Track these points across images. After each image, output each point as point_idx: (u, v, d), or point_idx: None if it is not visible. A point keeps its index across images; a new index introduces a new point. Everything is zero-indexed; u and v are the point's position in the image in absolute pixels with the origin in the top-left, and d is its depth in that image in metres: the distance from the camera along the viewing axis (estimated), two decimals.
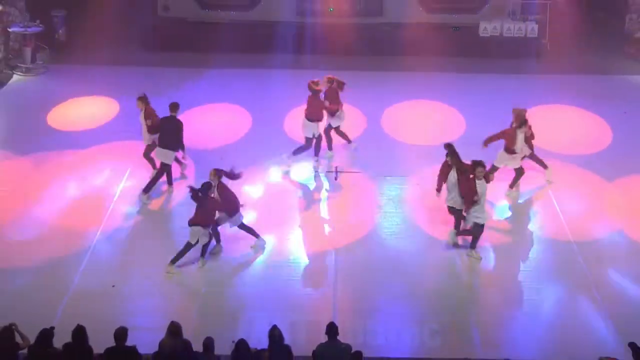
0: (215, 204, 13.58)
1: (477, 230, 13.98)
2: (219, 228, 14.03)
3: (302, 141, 16.44)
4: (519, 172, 15.51)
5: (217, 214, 13.75)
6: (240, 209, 13.83)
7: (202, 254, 13.82)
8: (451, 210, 14.17)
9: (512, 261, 14.24)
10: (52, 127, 18.29)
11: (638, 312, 12.99)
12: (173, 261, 13.65)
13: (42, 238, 14.56)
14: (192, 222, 13.49)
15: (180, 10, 22.45)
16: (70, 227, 14.83)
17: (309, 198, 15.93)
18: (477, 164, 13.75)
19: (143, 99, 15.64)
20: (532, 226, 15.14)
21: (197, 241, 13.58)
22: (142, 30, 22.36)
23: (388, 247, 14.46)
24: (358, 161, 16.89)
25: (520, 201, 15.73)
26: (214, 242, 13.99)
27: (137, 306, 13.03)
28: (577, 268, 13.97)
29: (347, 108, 17.31)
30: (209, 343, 10.95)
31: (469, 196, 13.74)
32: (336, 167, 16.48)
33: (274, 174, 16.49)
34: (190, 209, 13.68)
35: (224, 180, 13.77)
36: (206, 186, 13.45)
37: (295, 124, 17.18)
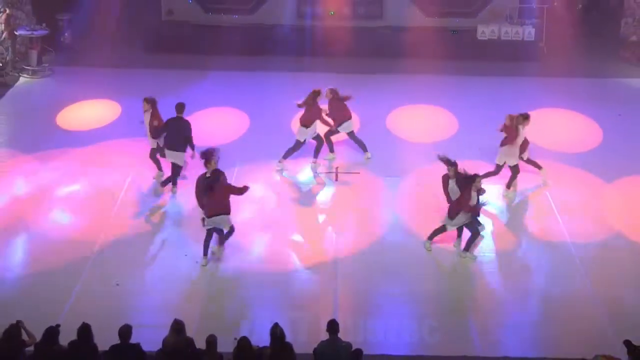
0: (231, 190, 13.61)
1: (476, 236, 13.99)
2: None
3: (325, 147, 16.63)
4: (515, 170, 15.49)
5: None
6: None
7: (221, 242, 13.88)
8: None
9: (509, 260, 14.22)
10: (57, 129, 18.29)
11: (634, 310, 12.98)
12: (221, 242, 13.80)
13: (48, 238, 14.55)
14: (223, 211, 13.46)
15: (183, 13, 22.50)
16: (75, 227, 14.84)
17: (310, 199, 15.93)
18: (476, 176, 13.73)
19: (151, 100, 15.62)
20: (529, 226, 15.13)
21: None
22: (146, 33, 22.35)
23: (388, 246, 14.45)
24: (358, 162, 16.89)
25: (516, 201, 15.72)
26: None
27: (141, 304, 13.05)
28: (573, 267, 13.97)
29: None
30: (212, 340, 10.95)
31: (463, 205, 13.70)
32: (336, 168, 16.49)
33: (275, 175, 16.49)
34: (193, 207, 13.68)
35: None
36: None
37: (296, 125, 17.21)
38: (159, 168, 16.00)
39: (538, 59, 21.95)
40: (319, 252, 14.32)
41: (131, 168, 16.44)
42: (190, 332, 11.29)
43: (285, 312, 12.77)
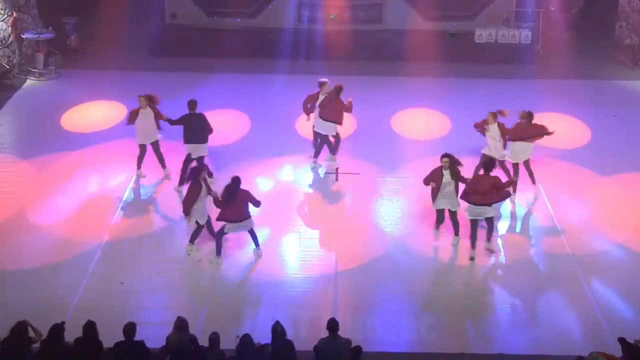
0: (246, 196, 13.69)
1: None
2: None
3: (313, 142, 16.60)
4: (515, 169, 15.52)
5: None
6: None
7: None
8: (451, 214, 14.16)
9: (506, 259, 14.22)
10: (63, 130, 18.29)
11: (628, 308, 12.98)
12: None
13: (53, 237, 14.55)
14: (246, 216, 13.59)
15: (187, 17, 22.50)
16: (80, 226, 14.82)
17: (310, 198, 15.92)
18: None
19: (152, 97, 15.70)
20: (525, 225, 15.12)
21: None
22: (150, 36, 22.36)
23: (387, 246, 14.44)
24: (357, 163, 16.89)
25: (514, 201, 15.71)
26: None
27: (145, 302, 13.04)
28: (569, 265, 13.96)
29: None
30: (214, 338, 10.96)
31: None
32: (337, 168, 16.48)
33: (276, 175, 16.49)
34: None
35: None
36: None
37: (299, 126, 17.20)
38: (163, 165, 16.07)
39: (534, 62, 21.98)
40: (319, 251, 14.31)
41: (135, 168, 16.41)
42: (193, 329, 11.30)
43: (286, 310, 12.76)
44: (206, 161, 15.44)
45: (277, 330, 11.03)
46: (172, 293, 13.27)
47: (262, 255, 14.00)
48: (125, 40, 21.76)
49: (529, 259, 14.21)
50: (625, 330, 11.65)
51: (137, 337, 10.90)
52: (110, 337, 10.95)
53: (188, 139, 15.46)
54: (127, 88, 19.25)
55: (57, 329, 10.87)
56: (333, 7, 22.24)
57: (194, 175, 13.72)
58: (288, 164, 16.86)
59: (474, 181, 13.84)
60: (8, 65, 20.75)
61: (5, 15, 20.72)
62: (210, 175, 15.78)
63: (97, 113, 19.14)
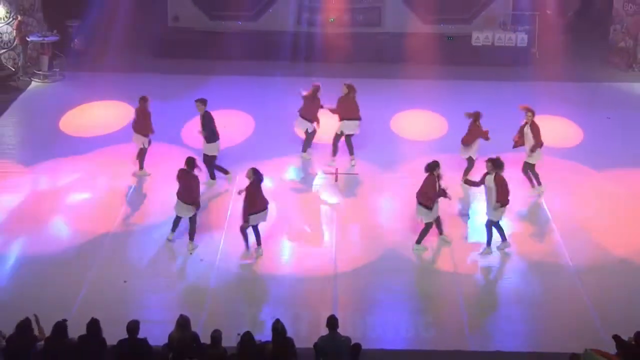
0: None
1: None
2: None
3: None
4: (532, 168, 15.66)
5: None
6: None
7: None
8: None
9: (503, 258, 14.21)
10: (67, 131, 18.29)
11: (622, 306, 12.97)
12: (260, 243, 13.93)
13: (57, 236, 14.56)
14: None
15: (189, 20, 22.52)
16: (84, 226, 14.82)
17: (310, 199, 15.93)
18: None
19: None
20: (522, 224, 15.11)
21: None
22: (153, 39, 22.36)
23: (386, 245, 14.43)
24: (357, 163, 16.91)
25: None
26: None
27: (148, 301, 13.05)
28: (564, 264, 13.97)
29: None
30: (216, 335, 10.96)
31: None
32: (336, 169, 16.49)
33: (275, 175, 16.48)
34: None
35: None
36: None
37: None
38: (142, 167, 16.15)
39: (530, 64, 22.02)
40: (319, 250, 14.31)
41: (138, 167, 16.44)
42: (195, 327, 11.30)
43: (286, 309, 12.77)
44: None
45: (278, 328, 11.01)
46: (174, 292, 13.28)
47: (263, 254, 14.00)
48: (128, 43, 21.74)
49: (525, 258, 14.19)
50: (619, 327, 11.63)
51: (140, 335, 10.90)
52: (113, 334, 10.94)
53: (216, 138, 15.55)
54: (129, 89, 19.22)
55: (60, 327, 10.85)
56: (333, 10, 22.25)
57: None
58: (288, 164, 16.87)
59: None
60: (13, 68, 20.76)
61: (11, 19, 20.74)
62: (213, 177, 15.84)
63: (100, 114, 19.14)
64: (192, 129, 17.91)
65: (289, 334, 11.17)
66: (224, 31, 22.28)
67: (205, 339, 11.04)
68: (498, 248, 14.16)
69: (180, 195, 13.94)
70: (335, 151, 16.74)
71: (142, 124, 15.88)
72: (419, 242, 14.19)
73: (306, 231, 14.77)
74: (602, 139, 18.07)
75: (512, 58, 21.91)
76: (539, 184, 15.73)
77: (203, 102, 15.52)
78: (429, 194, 13.77)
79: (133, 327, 10.86)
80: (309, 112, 16.40)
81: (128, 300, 12.97)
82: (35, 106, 19.67)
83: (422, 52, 20.96)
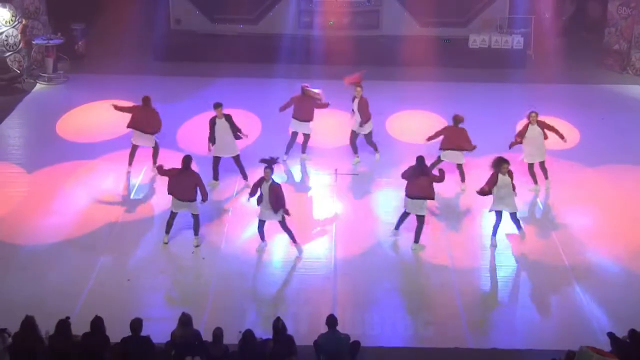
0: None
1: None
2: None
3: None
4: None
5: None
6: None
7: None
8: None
9: (500, 257, 14.20)
10: (71, 130, 18.28)
11: (618, 304, 12.96)
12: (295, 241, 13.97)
13: (61, 236, 14.51)
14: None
15: (191, 23, 22.51)
16: (87, 225, 14.80)
17: (310, 199, 15.91)
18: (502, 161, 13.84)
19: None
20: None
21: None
22: (156, 42, 22.33)
23: (385, 244, 14.43)
24: (356, 164, 16.91)
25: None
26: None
27: (151, 299, 13.02)
28: (559, 263, 13.95)
29: (345, 115, 17.31)
30: (218, 333, 10.96)
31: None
32: (336, 169, 16.48)
33: (277, 175, 16.46)
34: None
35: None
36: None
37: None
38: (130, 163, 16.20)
39: (526, 67, 22.02)
40: (319, 249, 14.29)
41: (141, 167, 16.42)
42: (197, 325, 11.29)
43: (287, 307, 12.76)
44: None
45: (278, 325, 11.02)
46: (176, 290, 13.26)
47: (264, 253, 13.99)
48: (131, 46, 21.74)
49: (522, 257, 14.18)
50: (614, 325, 11.63)
51: (143, 333, 10.89)
52: (117, 332, 10.94)
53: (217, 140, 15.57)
54: (133, 91, 19.18)
55: (63, 325, 10.85)
56: (332, 13, 22.24)
57: None
58: (288, 164, 16.85)
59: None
60: (18, 70, 20.75)
61: (16, 22, 20.74)
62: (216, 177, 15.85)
63: (103, 114, 19.09)
64: (192, 130, 17.99)
65: (289, 332, 11.19)
66: (225, 34, 22.28)
67: (207, 336, 11.04)
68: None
69: (179, 194, 13.89)
70: (355, 149, 16.79)
71: (152, 124, 15.84)
72: (416, 240, 14.18)
73: (306, 230, 14.74)
74: (596, 140, 18.06)
75: (508, 60, 21.90)
76: (538, 181, 15.82)
77: (220, 105, 15.48)
78: (430, 187, 13.87)
79: (136, 325, 10.86)
80: (302, 112, 16.33)
81: (131, 298, 12.95)
82: (40, 108, 19.64)
83: (420, 54, 20.94)
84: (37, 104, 19.86)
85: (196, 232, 14.22)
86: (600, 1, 23.15)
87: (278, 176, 15.90)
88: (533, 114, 15.54)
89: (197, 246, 14.13)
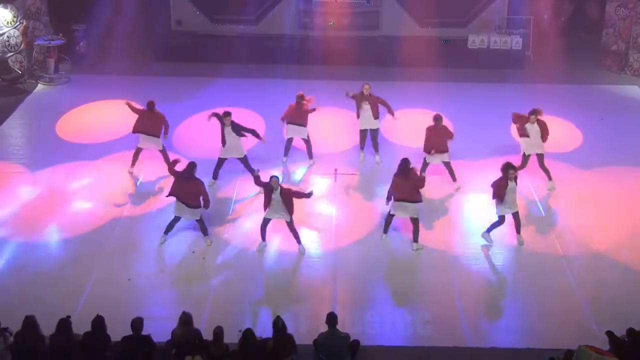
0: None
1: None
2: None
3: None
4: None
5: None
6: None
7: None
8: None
9: (500, 257, 14.20)
10: (73, 131, 18.27)
11: (615, 303, 12.95)
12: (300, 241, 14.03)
13: (63, 235, 14.52)
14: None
15: (191, 24, 22.50)
16: (88, 225, 14.79)
17: (310, 199, 15.86)
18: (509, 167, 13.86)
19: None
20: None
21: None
22: (156, 42, 22.33)
23: (384, 244, 14.41)
24: (356, 164, 16.89)
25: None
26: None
27: (152, 298, 13.02)
28: (557, 262, 13.94)
29: (345, 115, 17.32)
30: (218, 332, 10.95)
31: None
32: (335, 169, 16.47)
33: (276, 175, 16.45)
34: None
35: None
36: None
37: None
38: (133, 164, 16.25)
39: (525, 67, 22.01)
40: (319, 249, 14.28)
41: (142, 167, 16.41)
42: (197, 324, 11.29)
43: (287, 306, 12.75)
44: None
45: (278, 324, 11.01)
46: (177, 289, 13.25)
47: (264, 253, 13.98)
48: (132, 46, 21.76)
49: (521, 256, 14.18)
50: (612, 324, 11.62)
51: (144, 332, 10.89)
52: (118, 331, 10.94)
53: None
54: (133, 91, 19.21)
55: (64, 323, 10.86)
56: (332, 14, 22.23)
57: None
58: (287, 165, 16.84)
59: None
60: (20, 70, 20.75)
61: (18, 23, 20.74)
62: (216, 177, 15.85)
63: (104, 114, 19.12)
64: (192, 130, 17.99)
65: (289, 330, 11.18)
66: (225, 35, 22.27)
67: (208, 335, 11.03)
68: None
69: (184, 199, 13.89)
70: (363, 146, 16.86)
71: (158, 126, 15.86)
72: (415, 240, 14.17)
73: (306, 230, 14.73)
74: (595, 140, 18.05)
75: (507, 61, 21.89)
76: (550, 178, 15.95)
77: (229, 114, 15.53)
78: (414, 190, 13.89)
79: (137, 323, 10.86)
80: (298, 117, 16.26)
81: (132, 297, 12.94)
82: (41, 108, 19.63)
83: (419, 55, 20.93)
84: (39, 105, 19.85)
85: (205, 233, 14.23)
86: (599, 2, 23.16)
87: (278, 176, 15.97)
88: (532, 117, 15.53)
89: (209, 245, 14.15)
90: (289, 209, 13.71)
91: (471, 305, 12.98)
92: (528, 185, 15.92)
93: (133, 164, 16.26)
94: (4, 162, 16.93)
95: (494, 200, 13.99)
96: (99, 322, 10.84)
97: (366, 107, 16.43)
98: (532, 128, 15.61)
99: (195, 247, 14.15)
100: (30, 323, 10.89)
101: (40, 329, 10.97)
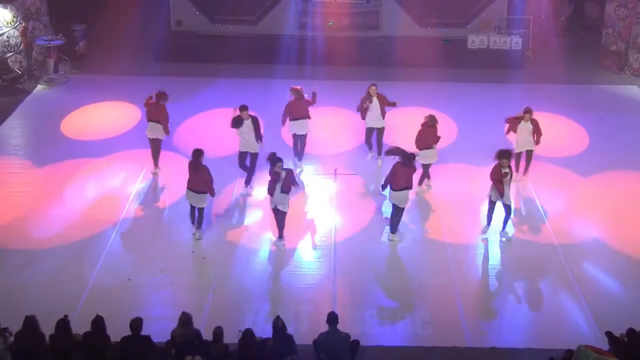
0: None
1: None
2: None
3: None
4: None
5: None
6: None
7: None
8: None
9: (500, 257, 14.19)
10: (72, 131, 18.26)
11: (616, 303, 12.95)
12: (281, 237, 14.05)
13: (62, 235, 14.50)
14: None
15: (191, 24, 22.49)
16: (88, 224, 14.78)
17: (310, 199, 15.88)
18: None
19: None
20: (516, 223, 15.06)
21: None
22: (156, 42, 22.32)
23: (384, 244, 14.41)
24: (356, 164, 16.88)
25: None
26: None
27: (151, 298, 13.01)
28: (557, 263, 13.93)
29: (346, 115, 17.31)
30: (218, 332, 10.94)
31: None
32: (335, 169, 16.45)
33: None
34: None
35: None
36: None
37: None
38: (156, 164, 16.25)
39: (524, 67, 22.01)
40: (319, 249, 14.27)
41: (141, 168, 16.41)
42: (197, 324, 11.27)
43: (286, 306, 12.74)
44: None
45: (278, 324, 11.00)
46: (176, 289, 13.23)
47: (265, 252, 13.97)
48: (132, 46, 21.76)
49: (520, 256, 14.16)
50: (612, 324, 11.61)
51: (143, 332, 10.87)
52: (117, 331, 10.92)
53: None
54: (133, 92, 19.23)
55: (63, 323, 10.85)
56: (331, 14, 22.23)
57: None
58: (286, 164, 16.82)
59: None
60: (20, 71, 20.74)
61: (18, 23, 20.73)
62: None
63: (104, 115, 19.12)
64: (192, 130, 17.98)
65: (289, 330, 11.17)
66: (225, 35, 22.27)
67: (207, 335, 11.02)
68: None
69: (190, 185, 13.96)
70: (371, 146, 16.81)
71: (159, 115, 15.90)
72: (393, 231, 14.15)
73: (306, 229, 14.72)
74: (594, 140, 18.04)
75: (507, 61, 21.89)
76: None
77: (246, 108, 15.48)
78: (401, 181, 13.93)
79: (137, 324, 10.85)
80: (298, 111, 16.22)
81: (131, 297, 12.93)
82: (41, 108, 19.63)
83: (419, 55, 20.93)
84: (38, 105, 19.84)
85: (199, 225, 14.24)
86: (598, 2, 23.16)
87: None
88: (526, 115, 15.57)
89: (198, 239, 14.12)
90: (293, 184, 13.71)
91: (471, 305, 12.98)
92: (528, 186, 15.89)
93: (155, 164, 16.24)
94: (4, 162, 16.92)
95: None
96: (98, 322, 10.82)
97: (373, 107, 16.42)
98: (525, 126, 15.63)
99: (195, 247, 14.14)
100: (30, 323, 10.88)
101: (41, 329, 10.95)
